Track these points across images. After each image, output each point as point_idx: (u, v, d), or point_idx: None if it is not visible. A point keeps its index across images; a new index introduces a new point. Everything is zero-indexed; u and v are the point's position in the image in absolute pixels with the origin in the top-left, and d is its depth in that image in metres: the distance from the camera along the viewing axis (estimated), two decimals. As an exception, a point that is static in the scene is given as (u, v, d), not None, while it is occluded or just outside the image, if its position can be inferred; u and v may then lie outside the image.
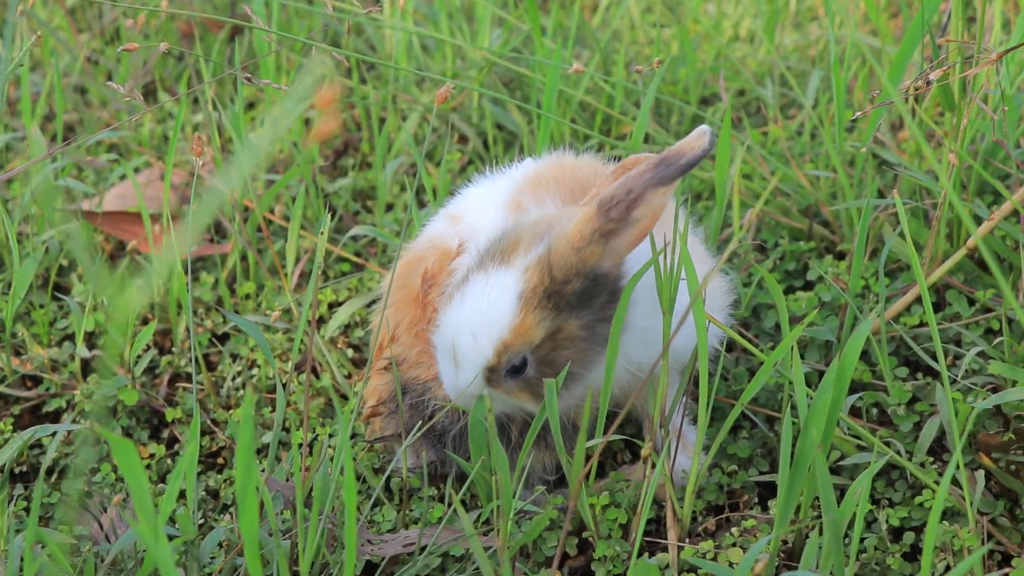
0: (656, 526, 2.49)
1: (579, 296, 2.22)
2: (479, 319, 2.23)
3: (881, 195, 3.09)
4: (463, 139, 3.52)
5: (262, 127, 3.46)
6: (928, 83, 2.54)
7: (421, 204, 3.22)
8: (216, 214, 3.24)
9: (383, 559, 2.34)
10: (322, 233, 2.25)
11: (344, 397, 2.78)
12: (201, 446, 2.73)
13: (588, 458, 2.24)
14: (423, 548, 2.32)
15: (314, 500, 2.15)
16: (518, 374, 2.25)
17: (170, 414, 2.76)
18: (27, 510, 2.52)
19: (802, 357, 2.75)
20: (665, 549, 2.39)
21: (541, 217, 2.30)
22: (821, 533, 2.20)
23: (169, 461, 2.71)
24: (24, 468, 2.70)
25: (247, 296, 3.03)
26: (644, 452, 2.23)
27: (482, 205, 2.50)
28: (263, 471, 2.49)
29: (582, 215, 2.22)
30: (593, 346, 2.25)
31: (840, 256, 3.03)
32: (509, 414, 2.37)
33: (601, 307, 2.25)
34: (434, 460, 2.50)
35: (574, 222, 2.22)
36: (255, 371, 2.86)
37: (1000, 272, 1.98)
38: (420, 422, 2.42)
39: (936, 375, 2.66)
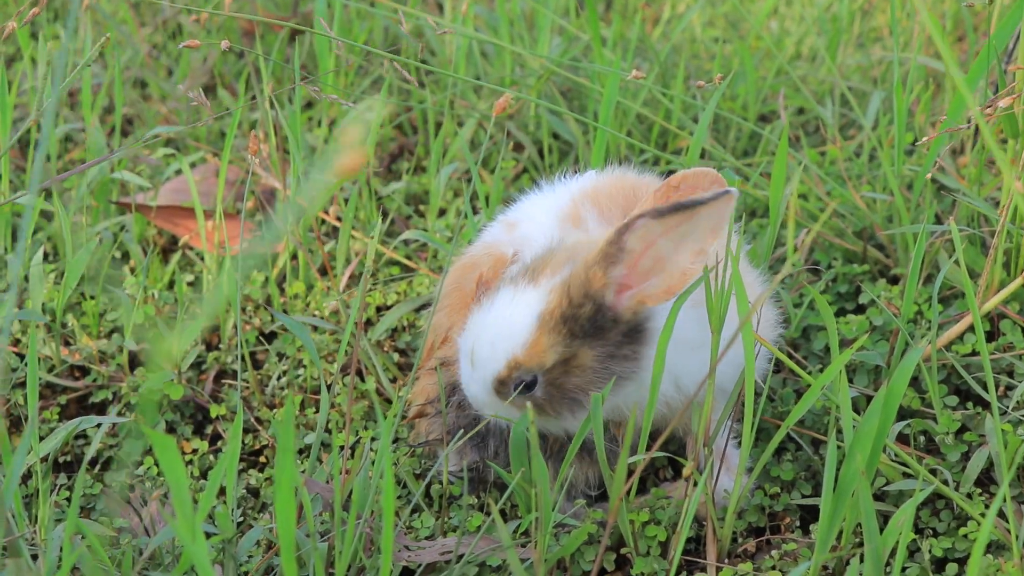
0: (696, 545, 2.47)
1: (591, 322, 2.23)
2: (498, 330, 2.26)
3: (939, 220, 3.06)
4: (519, 147, 3.51)
5: (319, 127, 3.47)
6: (995, 110, 2.51)
7: (475, 211, 3.21)
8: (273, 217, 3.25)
9: (419, 566, 2.34)
10: (372, 237, 2.25)
11: (388, 401, 2.77)
12: (244, 444, 2.73)
13: (630, 474, 2.23)
14: (460, 557, 2.31)
15: (352, 503, 2.14)
16: (528, 391, 2.27)
17: (214, 410, 2.77)
18: (69, 500, 2.54)
19: (851, 381, 2.72)
20: (704, 569, 2.37)
21: (579, 240, 2.30)
22: (862, 561, 2.18)
23: (211, 457, 2.72)
24: (68, 458, 2.71)
25: (296, 296, 3.03)
26: (685, 471, 2.22)
27: (538, 215, 2.51)
28: (303, 472, 2.49)
29: (604, 237, 2.23)
30: (605, 379, 2.26)
31: (893, 280, 2.99)
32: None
33: (616, 343, 2.25)
34: (477, 461, 2.49)
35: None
36: (301, 371, 2.86)
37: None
38: (464, 426, 2.42)
39: (987, 405, 2.62)
